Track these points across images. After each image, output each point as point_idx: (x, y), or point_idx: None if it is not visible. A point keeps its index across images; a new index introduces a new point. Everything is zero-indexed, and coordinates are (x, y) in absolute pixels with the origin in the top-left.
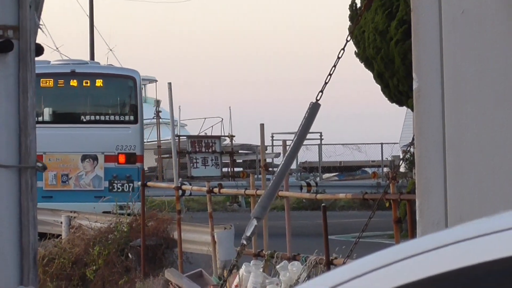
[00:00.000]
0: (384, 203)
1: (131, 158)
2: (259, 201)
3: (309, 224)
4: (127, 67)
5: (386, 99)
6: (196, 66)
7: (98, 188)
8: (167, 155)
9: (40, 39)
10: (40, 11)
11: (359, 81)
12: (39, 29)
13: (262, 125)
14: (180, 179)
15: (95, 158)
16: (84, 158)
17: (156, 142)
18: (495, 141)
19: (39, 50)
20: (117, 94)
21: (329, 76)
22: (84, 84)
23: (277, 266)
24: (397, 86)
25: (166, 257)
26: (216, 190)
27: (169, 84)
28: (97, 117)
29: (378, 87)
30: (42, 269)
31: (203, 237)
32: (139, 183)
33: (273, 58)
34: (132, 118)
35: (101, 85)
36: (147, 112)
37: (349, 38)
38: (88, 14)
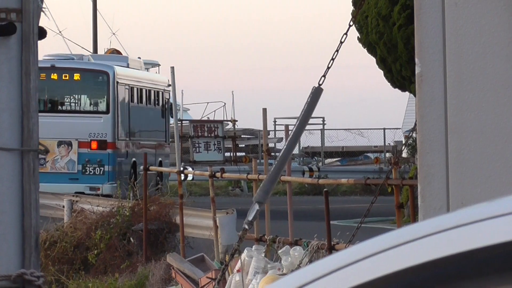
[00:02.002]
0: (386, 189)
1: (103, 144)
2: (261, 186)
3: (311, 209)
4: (129, 51)
5: (389, 84)
6: (200, 51)
7: (72, 171)
8: (170, 139)
9: (43, 22)
10: None
11: (361, 66)
12: (42, 12)
13: (264, 110)
14: (183, 163)
15: (69, 144)
16: (60, 143)
17: None
18: (498, 126)
19: (42, 33)
20: (91, 87)
21: (331, 61)
22: (63, 78)
23: (279, 251)
24: (400, 71)
25: (168, 241)
26: (218, 174)
27: (172, 68)
28: (73, 107)
29: (381, 72)
30: (44, 253)
31: (205, 221)
32: (110, 167)
33: (276, 43)
34: (104, 109)
35: (78, 78)
36: None
37: (351, 22)
38: None
